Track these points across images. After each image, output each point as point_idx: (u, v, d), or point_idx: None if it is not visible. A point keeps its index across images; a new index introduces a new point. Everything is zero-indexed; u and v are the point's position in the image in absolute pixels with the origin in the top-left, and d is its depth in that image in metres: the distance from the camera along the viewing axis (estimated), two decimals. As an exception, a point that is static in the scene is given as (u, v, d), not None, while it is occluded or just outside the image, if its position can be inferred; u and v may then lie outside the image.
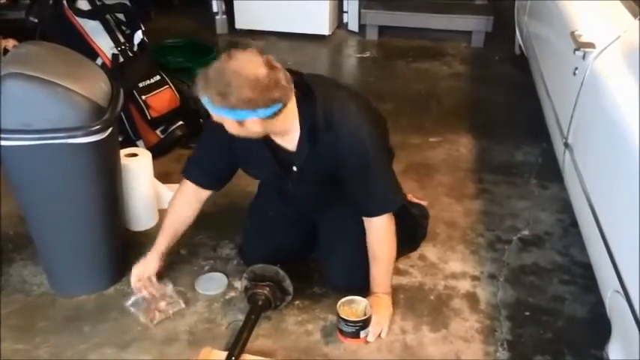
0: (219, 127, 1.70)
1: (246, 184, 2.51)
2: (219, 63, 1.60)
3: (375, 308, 1.89)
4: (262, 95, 1.58)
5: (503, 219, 2.44)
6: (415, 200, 2.38)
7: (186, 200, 2.00)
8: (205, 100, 1.63)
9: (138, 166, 2.28)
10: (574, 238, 2.26)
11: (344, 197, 1.90)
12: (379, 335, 1.89)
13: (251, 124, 1.64)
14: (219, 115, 1.64)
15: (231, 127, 1.67)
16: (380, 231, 1.89)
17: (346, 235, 1.99)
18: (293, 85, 1.67)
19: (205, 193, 2.01)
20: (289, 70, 1.68)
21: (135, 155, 2.31)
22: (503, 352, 1.85)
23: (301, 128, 1.76)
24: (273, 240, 2.08)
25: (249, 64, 1.58)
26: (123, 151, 2.26)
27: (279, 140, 1.81)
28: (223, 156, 1.91)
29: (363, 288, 1.96)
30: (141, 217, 2.35)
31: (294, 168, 1.84)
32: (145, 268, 2.00)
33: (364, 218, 1.89)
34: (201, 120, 2.95)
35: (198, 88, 1.63)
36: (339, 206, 2.00)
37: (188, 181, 1.99)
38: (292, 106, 1.71)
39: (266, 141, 1.80)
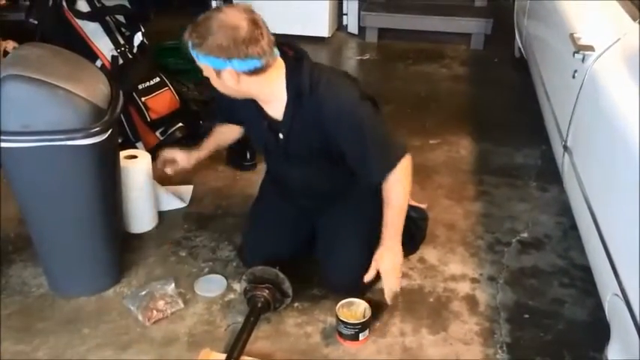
0: (226, 99, 1.83)
1: (245, 186, 2.52)
2: (210, 12, 1.69)
3: (381, 261, 1.87)
4: (237, 46, 1.63)
5: (503, 221, 2.44)
6: (413, 203, 2.38)
7: (227, 128, 2.22)
8: (189, 45, 1.71)
9: (137, 168, 2.28)
10: (573, 241, 2.26)
11: (342, 188, 1.94)
12: (394, 291, 1.90)
13: (227, 76, 1.70)
14: (198, 61, 1.72)
15: (212, 78, 1.75)
16: (395, 183, 1.88)
17: (345, 236, 1.99)
18: (277, 52, 1.74)
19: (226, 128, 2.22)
20: (288, 43, 1.80)
21: (134, 157, 2.31)
22: (503, 355, 1.85)
23: (288, 96, 1.80)
24: (272, 240, 2.08)
25: (233, 16, 1.65)
26: (122, 153, 2.26)
27: (267, 109, 1.86)
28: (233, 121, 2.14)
29: (360, 290, 1.96)
30: (140, 220, 2.35)
31: (280, 136, 1.88)
32: (177, 153, 2.22)
33: (381, 184, 1.87)
34: (201, 122, 2.96)
35: (185, 34, 1.71)
36: (339, 206, 2.01)
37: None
38: (277, 73, 1.76)
39: (259, 109, 1.86)
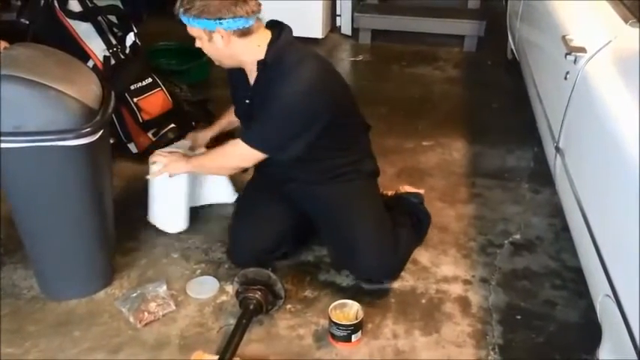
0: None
1: (237, 188, 2.51)
2: None
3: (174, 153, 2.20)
4: (227, 6, 1.79)
5: (496, 223, 2.45)
6: (411, 189, 2.41)
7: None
8: (180, 13, 1.84)
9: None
10: (565, 243, 2.27)
11: (319, 164, 2.06)
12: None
13: (217, 38, 1.85)
14: (189, 25, 1.85)
15: (203, 43, 1.90)
16: (232, 155, 2.05)
17: (356, 224, 2.04)
18: (264, 21, 1.92)
19: None
20: (278, 22, 1.98)
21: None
22: (495, 357, 1.85)
23: (259, 62, 1.93)
24: (255, 232, 2.11)
25: None
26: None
27: (250, 78, 2.01)
28: None
29: (396, 269, 2.10)
30: (171, 218, 2.33)
31: (247, 101, 2.03)
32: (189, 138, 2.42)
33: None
34: (193, 123, 2.95)
35: (176, 3, 1.84)
36: (329, 192, 2.08)
37: None
38: (263, 40, 1.92)
39: (245, 78, 2.02)
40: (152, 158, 2.25)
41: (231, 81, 2.16)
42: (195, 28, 1.86)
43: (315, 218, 2.14)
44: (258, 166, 2.15)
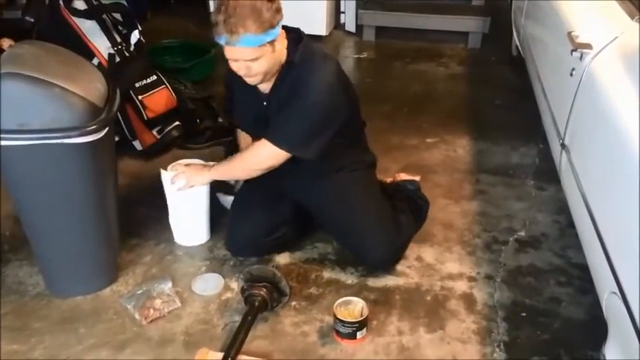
0: (228, 82, 2.08)
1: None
2: (230, 2, 1.75)
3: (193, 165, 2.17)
4: (273, 8, 1.78)
5: (500, 220, 2.44)
6: (407, 177, 2.44)
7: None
8: (238, 40, 1.76)
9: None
10: (571, 240, 2.26)
11: (322, 162, 2.03)
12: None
13: (266, 52, 1.82)
14: (252, 46, 1.79)
15: (266, 56, 1.83)
16: (257, 148, 2.02)
17: (358, 213, 2.10)
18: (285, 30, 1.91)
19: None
20: (291, 27, 1.96)
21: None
22: (500, 354, 1.85)
23: (281, 65, 1.94)
24: (249, 221, 2.15)
25: None
26: (180, 162, 2.27)
27: (262, 87, 2.01)
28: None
29: (399, 252, 2.17)
30: (190, 231, 2.30)
31: (264, 103, 2.02)
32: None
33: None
34: (197, 120, 2.96)
35: (216, 29, 1.78)
36: (329, 184, 2.11)
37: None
38: (282, 46, 1.90)
39: (252, 88, 2.00)
40: (169, 173, 2.18)
41: (234, 100, 2.16)
42: (257, 46, 1.80)
43: (318, 209, 2.17)
44: None
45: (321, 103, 1.95)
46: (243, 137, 2.32)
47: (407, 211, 2.26)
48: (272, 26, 1.79)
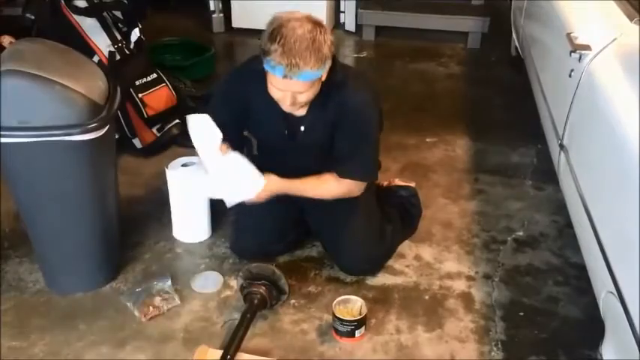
0: (233, 90, 1.96)
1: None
2: (287, 32, 1.69)
3: (268, 185, 1.95)
4: (329, 49, 1.74)
5: (499, 220, 2.45)
6: (402, 183, 2.44)
7: None
8: (281, 71, 1.70)
9: (194, 175, 2.19)
10: (569, 240, 2.27)
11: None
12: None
13: (317, 83, 1.78)
14: (297, 80, 1.72)
15: (314, 87, 1.78)
16: (340, 183, 1.96)
17: (347, 220, 2.08)
18: None
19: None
20: None
21: (192, 164, 2.24)
22: (498, 352, 1.86)
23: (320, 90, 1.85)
24: (256, 227, 2.12)
25: (305, 25, 1.71)
26: (179, 160, 2.26)
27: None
28: (234, 118, 2.01)
29: (378, 263, 2.15)
30: (193, 229, 2.31)
31: (302, 128, 1.95)
32: None
33: (335, 175, 1.97)
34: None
35: (270, 58, 1.71)
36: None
37: None
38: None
39: (279, 107, 1.88)
40: (174, 172, 2.19)
41: (250, 116, 2.00)
42: (311, 80, 1.75)
43: (309, 211, 2.15)
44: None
45: (376, 126, 1.97)
46: None
47: (395, 220, 2.24)
48: (328, 59, 1.75)
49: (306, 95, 1.80)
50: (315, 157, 2.02)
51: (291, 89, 1.76)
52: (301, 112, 1.91)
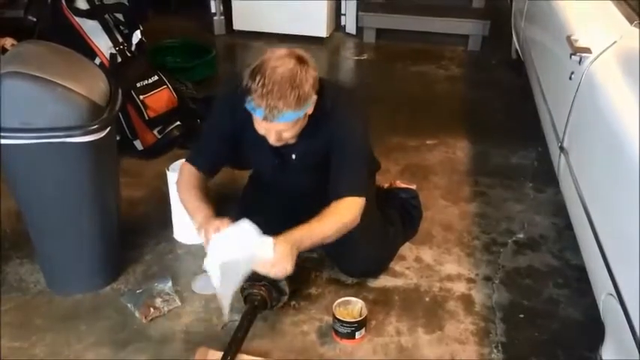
0: (224, 121, 1.89)
1: (242, 185, 2.52)
2: (267, 72, 1.63)
3: (280, 245, 1.72)
4: (307, 73, 1.69)
5: (499, 222, 2.46)
6: (403, 185, 2.44)
7: (197, 184, 1.94)
8: (260, 114, 1.67)
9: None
10: (569, 242, 2.28)
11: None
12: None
13: (301, 120, 1.74)
14: (278, 122, 1.68)
15: (298, 123, 1.75)
16: (342, 207, 1.85)
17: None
18: None
19: (206, 182, 2.01)
20: None
21: None
22: (498, 354, 1.86)
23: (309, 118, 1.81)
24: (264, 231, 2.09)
25: (286, 64, 1.66)
26: (180, 162, 2.22)
27: None
28: (225, 147, 1.97)
29: (380, 267, 2.14)
30: (193, 230, 2.30)
31: (293, 157, 1.93)
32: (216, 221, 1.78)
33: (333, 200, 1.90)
34: (198, 120, 2.97)
35: (250, 98, 1.66)
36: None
37: (190, 169, 1.97)
38: (313, 103, 1.78)
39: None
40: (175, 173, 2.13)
41: (242, 146, 1.96)
42: (293, 120, 1.71)
43: (312, 215, 2.10)
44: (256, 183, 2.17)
45: (366, 140, 1.96)
46: (187, 178, 1.98)
47: (397, 222, 2.25)
48: (310, 97, 1.71)
49: (291, 132, 1.77)
50: (309, 176, 2.00)
51: (274, 129, 1.73)
52: (291, 141, 1.86)
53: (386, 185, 2.44)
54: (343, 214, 1.85)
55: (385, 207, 2.27)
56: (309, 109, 1.75)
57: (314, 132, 1.85)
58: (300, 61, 1.69)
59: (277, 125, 1.71)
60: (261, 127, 1.75)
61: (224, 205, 2.38)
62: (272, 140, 1.79)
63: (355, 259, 2.09)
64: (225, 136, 1.94)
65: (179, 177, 2.00)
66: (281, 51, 1.70)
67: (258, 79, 1.64)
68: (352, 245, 2.03)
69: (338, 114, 1.85)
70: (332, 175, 1.90)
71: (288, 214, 2.08)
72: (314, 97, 1.74)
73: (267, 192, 2.14)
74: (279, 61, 1.66)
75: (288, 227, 2.05)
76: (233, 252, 1.65)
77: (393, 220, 2.25)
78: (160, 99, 2.86)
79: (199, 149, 2.02)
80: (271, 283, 1.94)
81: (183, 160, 2.27)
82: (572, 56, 1.93)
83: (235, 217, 2.17)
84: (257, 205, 2.14)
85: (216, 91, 3.17)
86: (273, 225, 2.06)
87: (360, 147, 1.93)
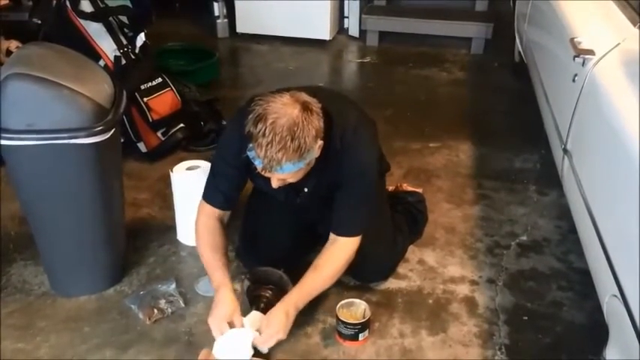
0: (233, 152, 1.81)
1: (247, 188, 2.52)
2: (269, 121, 1.58)
3: (275, 317, 1.77)
4: (316, 136, 1.64)
5: (502, 225, 2.46)
6: (409, 188, 2.44)
7: (214, 227, 1.95)
8: (261, 165, 1.62)
9: (199, 178, 2.14)
10: (572, 245, 2.27)
11: None
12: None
13: (305, 167, 1.69)
14: (279, 173, 1.65)
15: (304, 170, 1.71)
16: (337, 250, 1.88)
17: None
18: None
19: (226, 215, 1.99)
20: (305, 88, 1.73)
21: (197, 167, 2.25)
22: (501, 357, 1.86)
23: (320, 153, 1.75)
24: (269, 239, 2.09)
25: (289, 112, 1.59)
26: (184, 164, 2.25)
27: None
28: (237, 178, 1.94)
29: (389, 272, 2.15)
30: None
31: (306, 190, 1.89)
32: (224, 312, 1.80)
33: (331, 233, 1.89)
34: (202, 123, 2.98)
35: (252, 147, 1.62)
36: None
37: (206, 208, 1.95)
38: (319, 146, 1.72)
39: None
40: (179, 174, 2.18)
41: (256, 179, 1.89)
42: (294, 171, 1.66)
43: (322, 222, 2.03)
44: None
45: (374, 179, 1.92)
46: (205, 224, 1.96)
47: (404, 230, 2.24)
48: (313, 148, 1.65)
49: (294, 178, 1.73)
50: (317, 205, 1.97)
51: (276, 177, 1.69)
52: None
53: (391, 188, 2.44)
54: (338, 258, 1.88)
55: (393, 213, 2.25)
56: (313, 156, 1.70)
57: (325, 167, 1.80)
58: (305, 108, 1.62)
59: (278, 175, 1.68)
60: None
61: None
62: (274, 185, 1.74)
63: (367, 268, 2.06)
64: (236, 168, 1.88)
65: (197, 217, 1.96)
66: (284, 98, 1.63)
67: (259, 127, 1.58)
68: (364, 255, 1.98)
69: (348, 152, 1.79)
70: (335, 209, 1.88)
71: (294, 220, 2.10)
72: (319, 143, 1.68)
73: (274, 205, 2.08)
74: (283, 109, 1.60)
75: (293, 230, 2.08)
76: (234, 353, 1.76)
77: (401, 226, 2.23)
78: (163, 101, 2.87)
79: (212, 185, 1.95)
80: (278, 287, 1.93)
81: (188, 163, 2.29)
82: (576, 58, 1.93)
83: (243, 231, 2.16)
84: (262, 207, 2.14)
85: (219, 94, 3.19)
86: (278, 227, 2.08)
87: (369, 185, 1.88)
